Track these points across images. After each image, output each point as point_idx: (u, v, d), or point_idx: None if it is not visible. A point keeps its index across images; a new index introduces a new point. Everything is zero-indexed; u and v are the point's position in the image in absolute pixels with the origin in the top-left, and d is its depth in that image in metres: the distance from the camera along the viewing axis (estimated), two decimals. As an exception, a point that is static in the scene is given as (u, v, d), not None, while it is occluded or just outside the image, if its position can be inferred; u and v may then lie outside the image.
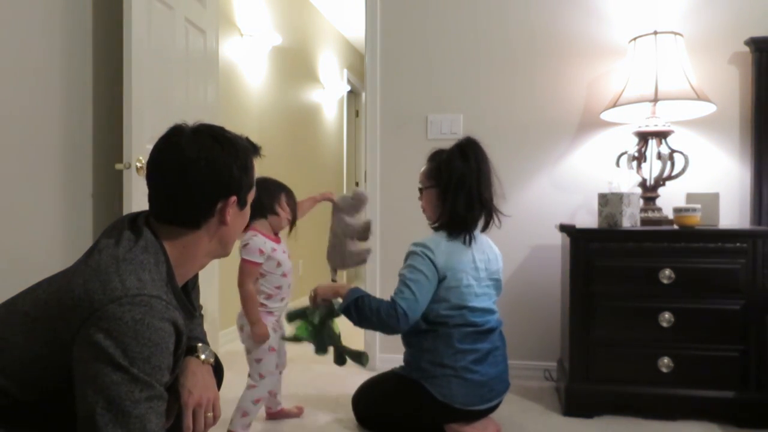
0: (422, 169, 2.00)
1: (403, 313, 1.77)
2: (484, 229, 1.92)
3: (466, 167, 1.86)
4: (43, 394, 1.01)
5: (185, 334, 1.07)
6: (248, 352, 1.89)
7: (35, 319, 0.99)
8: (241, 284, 1.86)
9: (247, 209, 1.18)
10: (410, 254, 1.88)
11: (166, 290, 1.02)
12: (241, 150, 1.11)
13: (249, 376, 1.89)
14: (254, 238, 1.87)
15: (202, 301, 3.02)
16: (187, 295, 1.18)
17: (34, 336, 0.98)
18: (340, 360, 1.96)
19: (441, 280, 1.83)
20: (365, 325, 1.86)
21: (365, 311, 1.80)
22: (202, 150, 1.05)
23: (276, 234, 1.98)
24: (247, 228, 1.85)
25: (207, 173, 1.05)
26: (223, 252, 1.19)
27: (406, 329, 1.82)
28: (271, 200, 1.93)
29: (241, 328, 1.91)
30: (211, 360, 1.22)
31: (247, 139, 1.18)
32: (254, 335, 1.85)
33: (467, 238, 1.87)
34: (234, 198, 1.10)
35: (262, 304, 1.90)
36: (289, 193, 2.01)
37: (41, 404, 1.02)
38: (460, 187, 1.85)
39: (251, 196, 1.18)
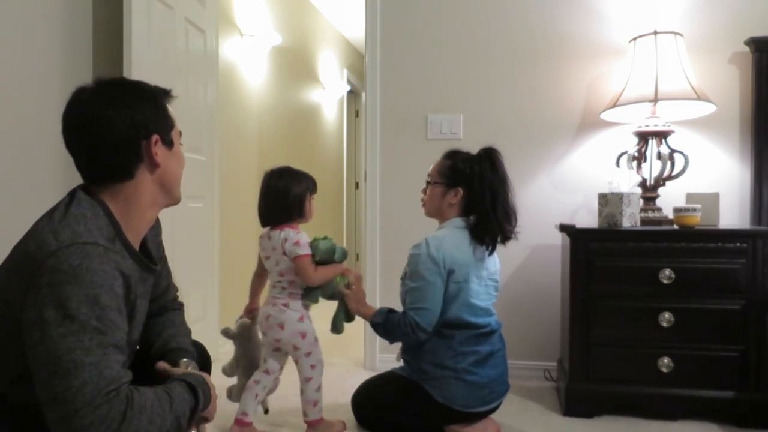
0: (435, 163, 1.99)
1: (416, 324, 1.81)
2: (507, 240, 1.91)
3: (497, 178, 1.87)
4: (12, 383, 1.00)
5: (135, 280, 1.06)
6: (296, 348, 1.92)
7: None
8: (312, 277, 1.90)
9: (178, 149, 1.18)
10: (410, 258, 1.88)
11: (110, 241, 1.02)
12: (148, 91, 1.11)
13: (299, 372, 1.94)
14: (300, 233, 1.93)
15: (202, 301, 3.04)
16: (147, 254, 1.18)
17: None
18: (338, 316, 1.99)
19: (449, 274, 1.82)
20: (392, 339, 1.93)
21: (390, 327, 1.87)
22: (107, 100, 1.06)
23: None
24: (285, 226, 1.92)
25: (118, 119, 1.05)
26: (170, 199, 1.18)
27: (426, 337, 1.84)
28: (302, 204, 1.96)
29: (281, 326, 1.91)
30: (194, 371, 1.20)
31: (155, 86, 1.18)
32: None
33: (493, 247, 1.88)
34: (156, 137, 1.09)
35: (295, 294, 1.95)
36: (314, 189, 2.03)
37: (11, 394, 1.01)
38: (495, 198, 1.86)
39: (177, 135, 1.17)
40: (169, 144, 1.13)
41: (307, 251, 1.89)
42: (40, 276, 0.91)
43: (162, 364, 1.19)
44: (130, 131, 1.06)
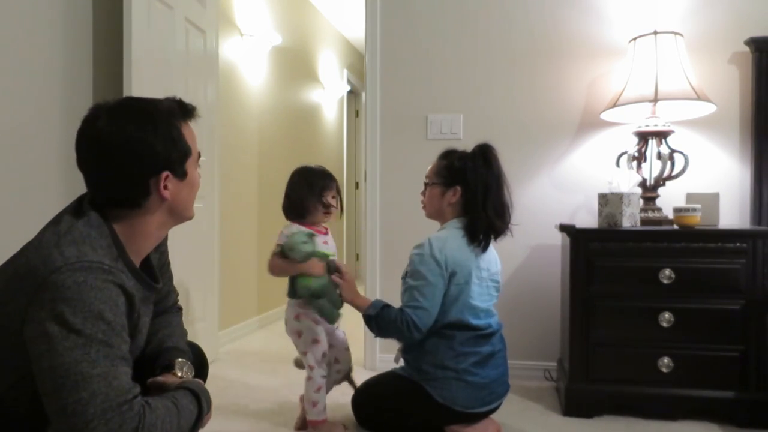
0: (432, 164, 1.99)
1: (413, 322, 1.79)
2: (499, 236, 1.91)
3: (490, 174, 1.87)
4: (9, 388, 1.00)
5: (138, 300, 1.05)
6: (295, 346, 1.95)
7: None
8: (268, 268, 1.90)
9: (192, 176, 1.13)
10: (412, 258, 1.87)
11: (114, 260, 1.01)
12: (162, 122, 1.05)
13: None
14: (291, 226, 1.93)
15: (202, 302, 3.03)
16: (150, 270, 1.17)
17: None
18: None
19: (450, 276, 1.82)
20: (382, 334, 1.90)
21: (383, 322, 1.85)
22: (118, 134, 1.01)
23: (317, 224, 1.98)
24: (295, 221, 1.93)
25: (127, 157, 1.02)
26: (181, 220, 1.16)
27: (420, 336, 1.83)
28: (302, 204, 1.93)
29: (286, 322, 1.96)
30: (190, 376, 1.19)
31: (178, 101, 1.12)
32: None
33: (485, 243, 1.87)
34: (166, 173, 1.06)
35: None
36: (330, 186, 1.98)
37: (6, 399, 1.00)
38: (487, 194, 1.86)
39: (193, 163, 1.13)
40: (181, 176, 1.09)
41: (279, 242, 1.89)
42: (44, 291, 0.91)
43: (156, 380, 1.14)
44: (137, 170, 1.03)
